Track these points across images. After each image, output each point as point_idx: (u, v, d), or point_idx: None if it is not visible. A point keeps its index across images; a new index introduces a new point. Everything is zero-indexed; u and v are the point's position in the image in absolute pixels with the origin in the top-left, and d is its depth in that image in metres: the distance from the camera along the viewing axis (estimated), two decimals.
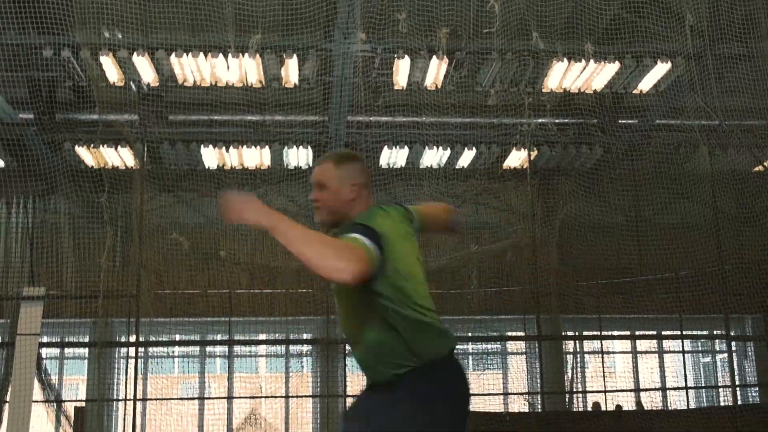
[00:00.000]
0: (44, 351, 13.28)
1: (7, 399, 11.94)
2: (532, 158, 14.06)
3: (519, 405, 15.97)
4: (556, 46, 12.51)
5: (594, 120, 14.14)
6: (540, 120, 13.86)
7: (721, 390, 15.87)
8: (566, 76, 13.10)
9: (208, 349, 17.59)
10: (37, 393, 11.91)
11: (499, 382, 16.89)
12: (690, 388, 14.84)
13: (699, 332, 15.42)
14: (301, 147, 14.49)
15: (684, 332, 14.24)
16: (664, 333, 14.85)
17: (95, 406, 14.31)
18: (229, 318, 14.91)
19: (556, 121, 14.25)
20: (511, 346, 17.55)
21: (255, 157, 14.67)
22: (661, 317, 15.32)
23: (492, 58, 12.65)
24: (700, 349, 18.29)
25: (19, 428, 10.30)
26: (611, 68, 12.84)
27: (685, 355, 15.64)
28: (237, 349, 16.88)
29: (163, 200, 14.81)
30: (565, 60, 12.64)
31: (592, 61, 12.56)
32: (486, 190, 15.54)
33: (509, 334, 16.44)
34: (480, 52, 12.52)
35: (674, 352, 17.58)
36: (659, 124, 14.42)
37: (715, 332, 14.87)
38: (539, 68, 12.94)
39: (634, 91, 13.50)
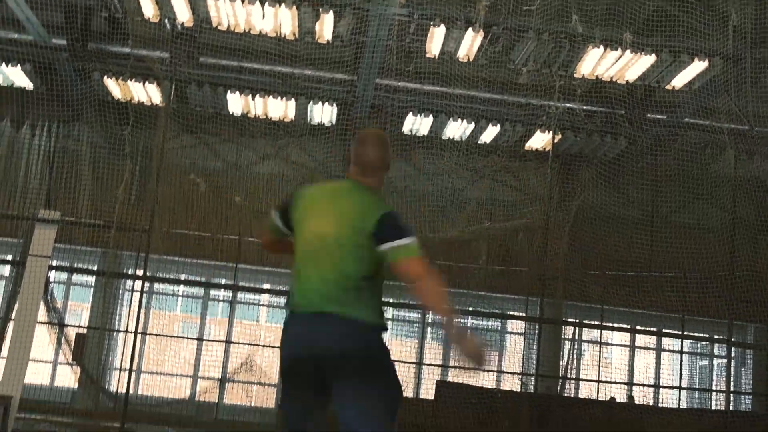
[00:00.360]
0: (52, 275, 13.67)
1: (12, 317, 12.37)
2: (555, 141, 14.20)
3: (512, 384, 16.28)
4: (595, 31, 12.58)
5: (622, 111, 14.23)
6: (568, 104, 13.96)
7: (713, 394, 16.13)
8: (600, 63, 13.18)
9: (212, 292, 17.97)
10: (42, 315, 12.30)
11: (494, 359, 17.21)
12: (684, 388, 15.11)
13: (700, 334, 15.62)
14: (326, 104, 14.67)
15: (685, 333, 14.46)
16: (664, 331, 15.08)
17: (96, 334, 14.75)
18: (236, 264, 15.21)
19: (584, 107, 14.34)
20: (511, 325, 17.85)
21: (280, 108, 14.88)
22: (664, 315, 15.52)
23: (528, 37, 12.73)
24: (698, 351, 18.52)
25: (22, 347, 10.67)
26: (647, 60, 12.90)
27: (683, 355, 15.89)
28: (240, 296, 17.26)
29: (184, 140, 15.09)
30: (602, 47, 12.71)
31: (628, 51, 12.62)
32: (505, 168, 15.72)
33: (510, 313, 16.72)
34: (517, 29, 12.60)
35: (672, 351, 17.80)
36: (688, 122, 14.49)
37: (716, 336, 15.08)
38: (574, 52, 13.01)
39: (666, 86, 13.57)
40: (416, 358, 16.33)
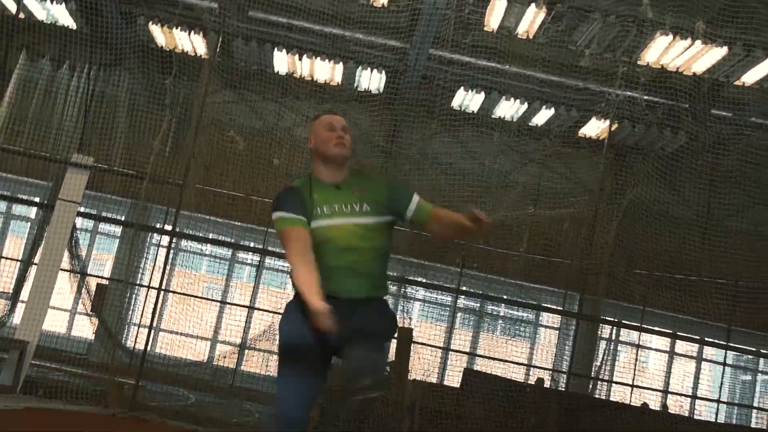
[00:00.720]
0: (78, 221, 13.60)
1: (35, 261, 12.31)
2: (612, 130, 13.83)
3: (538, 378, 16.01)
4: (665, 18, 12.18)
5: (686, 104, 13.82)
6: (629, 92, 13.57)
7: (755, 411, 15.72)
8: (668, 51, 12.80)
9: (240, 255, 17.86)
10: (65, 262, 12.22)
11: (525, 351, 16.96)
12: (723, 402, 14.72)
13: (746, 347, 15.21)
14: (375, 70, 14.42)
15: (730, 344, 14.07)
16: (707, 339, 14.68)
17: (119, 286, 14.67)
18: (267, 228, 15.06)
19: (645, 96, 13.93)
20: (546, 318, 17.53)
21: (326, 71, 14.65)
22: (708, 323, 15.14)
23: (593, 18, 12.39)
24: (742, 364, 18.10)
25: (43, 292, 10.60)
26: (717, 53, 12.51)
27: (725, 367, 15.49)
28: (269, 261, 17.10)
29: (225, 96, 14.89)
30: (671, 34, 12.33)
31: (699, 41, 12.23)
32: (556, 154, 15.36)
33: (546, 305, 16.39)
34: (582, 8, 12.27)
35: (714, 362, 17.42)
36: (754, 122, 14.05)
37: (762, 351, 14.68)
38: (641, 38, 12.65)
39: (735, 82, 13.14)
40: (444, 344, 16.10)
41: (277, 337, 3.98)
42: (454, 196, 13.10)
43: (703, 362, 17.66)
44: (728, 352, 15.18)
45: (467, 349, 16.49)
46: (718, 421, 15.34)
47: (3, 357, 10.03)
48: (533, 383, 13.83)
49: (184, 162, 11.83)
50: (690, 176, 14.44)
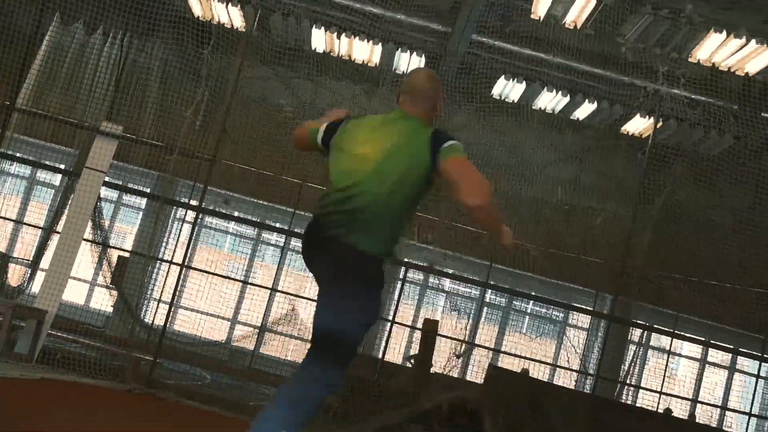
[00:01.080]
0: (102, 192, 13.56)
1: (57, 229, 12.29)
2: (656, 128, 13.59)
3: (564, 380, 15.88)
4: (718, 15, 11.94)
5: (735, 106, 13.55)
6: (675, 90, 13.33)
7: None
8: (719, 50, 12.54)
9: (264, 235, 17.78)
10: (87, 232, 12.19)
11: (550, 351, 16.80)
12: (754, 415, 14.47)
13: None
14: (414, 53, 14.27)
15: (765, 355, 13.83)
16: (741, 350, 14.46)
17: (140, 260, 14.65)
18: (294, 210, 14.97)
19: (692, 96, 13.68)
20: (574, 319, 17.31)
21: (365, 51, 14.51)
22: (744, 333, 14.90)
23: (644, 11, 12.17)
24: None
25: (64, 261, 10.56)
26: None
27: (759, 380, 15.23)
28: (294, 243, 17.02)
29: (260, 72, 14.78)
30: (724, 33, 12.08)
31: (754, 41, 11.97)
32: (595, 149, 15.15)
33: (576, 305, 16.19)
34: (634, 0, 12.04)
35: (747, 373, 17.17)
36: None
37: None
38: (692, 35, 12.41)
39: None
40: (468, 338, 15.98)
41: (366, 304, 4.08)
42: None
43: (735, 373, 17.40)
44: (763, 363, 14.94)
45: (492, 345, 16.33)
46: None
47: (21, 325, 10.01)
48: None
49: (215, 137, 11.73)
50: (733, 181, 14.18)
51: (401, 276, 13.57)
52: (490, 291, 16.65)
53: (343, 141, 4.22)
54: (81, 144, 12.24)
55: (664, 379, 14.90)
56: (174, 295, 11.35)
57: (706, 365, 17.46)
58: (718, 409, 16.35)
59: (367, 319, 4.07)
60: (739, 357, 16.61)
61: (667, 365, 15.17)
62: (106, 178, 11.37)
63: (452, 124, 14.04)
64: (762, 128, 13.65)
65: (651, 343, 16.49)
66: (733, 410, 16.07)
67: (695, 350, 17.53)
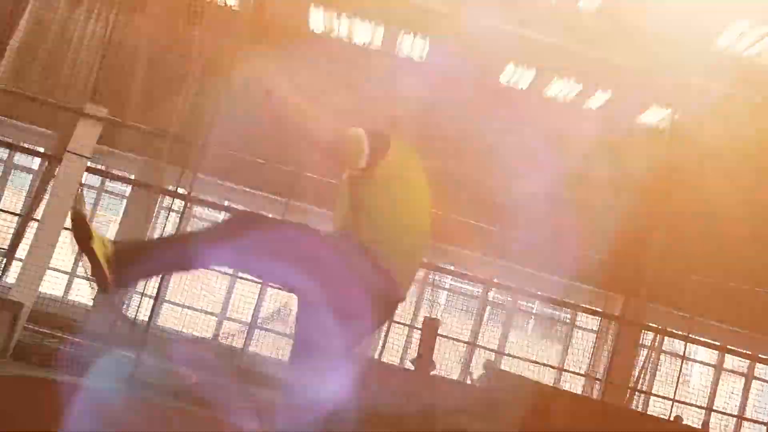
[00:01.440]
0: (84, 177, 13.17)
1: (35, 216, 11.88)
2: (674, 119, 13.28)
3: (570, 384, 15.58)
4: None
5: (759, 99, 13.25)
6: (697, 79, 13.02)
7: None
8: (742, 39, 12.28)
9: None
10: (67, 220, 11.82)
11: (555, 354, 16.48)
12: None
13: None
14: (418, 36, 13.96)
15: None
16: (760, 356, 14.17)
17: None
18: (287, 200, 14.62)
19: (716, 84, 13.37)
20: (582, 320, 16.96)
21: (366, 33, 14.19)
22: (763, 339, 14.63)
23: None
24: None
25: (43, 252, 10.23)
26: None
27: None
28: None
29: (255, 53, 14.38)
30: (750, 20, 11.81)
31: None
32: (609, 140, 14.80)
33: (585, 306, 15.83)
34: None
35: (765, 380, 16.90)
36: None
37: None
38: (716, 24, 12.14)
39: None
40: (470, 339, 15.67)
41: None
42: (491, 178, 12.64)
43: (753, 380, 17.11)
44: None
45: (494, 347, 16.00)
46: None
47: None
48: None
49: (207, 122, 11.38)
50: (756, 178, 13.87)
51: None
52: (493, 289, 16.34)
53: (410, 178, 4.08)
54: (63, 126, 11.83)
55: (677, 385, 14.57)
56: (159, 289, 11.05)
57: (723, 372, 17.16)
58: (734, 419, 16.07)
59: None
60: (758, 363, 16.32)
61: (680, 371, 14.84)
62: (89, 163, 11.02)
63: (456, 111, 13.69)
64: None
65: (663, 348, 16.15)
66: (750, 419, 15.81)
67: (711, 356, 17.22)
